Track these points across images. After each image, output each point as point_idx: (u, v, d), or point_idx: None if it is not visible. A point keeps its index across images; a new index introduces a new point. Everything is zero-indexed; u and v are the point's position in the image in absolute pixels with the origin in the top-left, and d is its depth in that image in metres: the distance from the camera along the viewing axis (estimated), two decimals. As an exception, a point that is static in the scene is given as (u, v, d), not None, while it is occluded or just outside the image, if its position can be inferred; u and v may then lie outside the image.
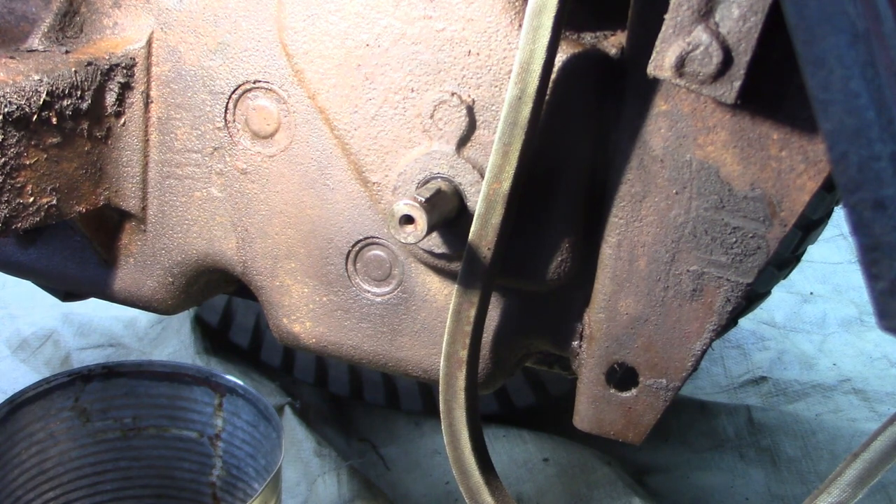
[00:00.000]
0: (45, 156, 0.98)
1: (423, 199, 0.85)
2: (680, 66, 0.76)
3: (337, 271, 1.06)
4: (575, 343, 1.03)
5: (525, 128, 0.85)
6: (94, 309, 2.63)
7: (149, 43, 1.05)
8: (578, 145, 0.93)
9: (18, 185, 0.96)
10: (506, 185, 0.87)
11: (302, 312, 1.10)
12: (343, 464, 1.98)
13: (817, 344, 2.79)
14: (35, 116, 0.95)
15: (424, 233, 0.84)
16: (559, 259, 0.96)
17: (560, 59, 0.89)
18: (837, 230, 3.34)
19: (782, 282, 1.93)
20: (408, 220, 0.84)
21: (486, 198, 0.88)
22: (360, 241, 1.04)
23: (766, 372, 2.59)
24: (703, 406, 2.33)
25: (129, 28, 1.06)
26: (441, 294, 1.04)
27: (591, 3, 0.94)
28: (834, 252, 3.30)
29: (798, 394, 2.49)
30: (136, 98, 1.06)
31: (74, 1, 1.05)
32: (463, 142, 0.94)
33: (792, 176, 0.84)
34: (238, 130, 1.05)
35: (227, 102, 1.04)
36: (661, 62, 0.77)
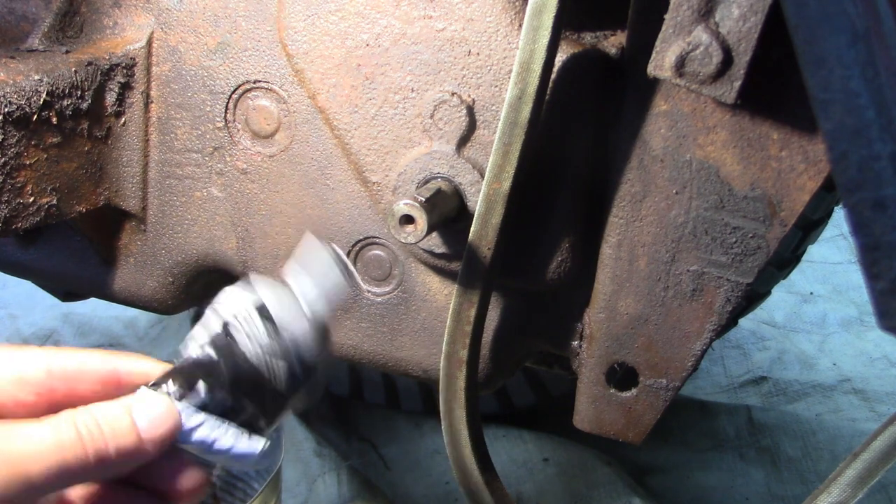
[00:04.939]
0: (45, 156, 0.98)
1: (423, 199, 0.85)
2: (680, 66, 0.76)
3: (337, 271, 1.06)
4: (575, 343, 1.03)
5: (525, 128, 0.85)
6: (94, 309, 2.63)
7: (149, 43, 1.05)
8: (578, 145, 0.93)
9: (18, 185, 0.96)
10: (506, 185, 0.87)
11: (302, 312, 1.10)
12: (343, 464, 1.98)
13: (817, 344, 2.79)
14: (35, 116, 0.95)
15: (424, 233, 0.84)
16: (559, 259, 0.96)
17: (560, 59, 0.89)
18: (837, 230, 3.33)
19: (782, 282, 1.93)
20: (408, 220, 0.84)
21: (486, 198, 0.88)
22: (361, 240, 1.04)
23: (766, 372, 2.59)
24: (703, 406, 2.33)
25: (129, 28, 1.06)
26: (441, 294, 1.04)
27: (591, 3, 0.94)
28: (834, 252, 3.30)
29: (798, 394, 2.49)
30: (136, 98, 1.06)
31: (74, 1, 1.05)
32: (463, 142, 0.94)
33: (792, 176, 0.84)
34: (238, 130, 1.05)
35: (228, 102, 1.04)
36: (661, 62, 0.77)
